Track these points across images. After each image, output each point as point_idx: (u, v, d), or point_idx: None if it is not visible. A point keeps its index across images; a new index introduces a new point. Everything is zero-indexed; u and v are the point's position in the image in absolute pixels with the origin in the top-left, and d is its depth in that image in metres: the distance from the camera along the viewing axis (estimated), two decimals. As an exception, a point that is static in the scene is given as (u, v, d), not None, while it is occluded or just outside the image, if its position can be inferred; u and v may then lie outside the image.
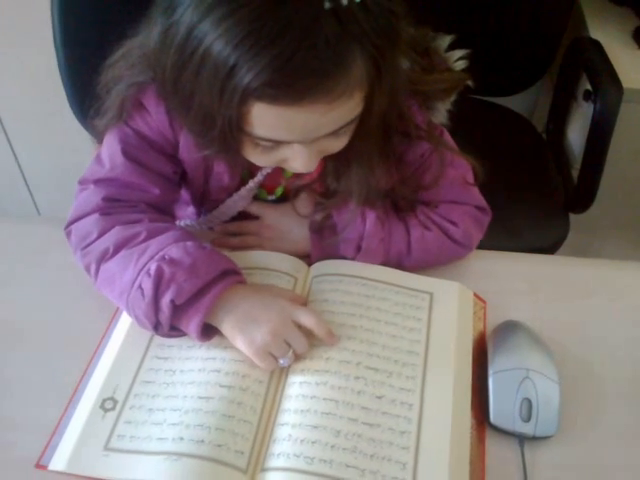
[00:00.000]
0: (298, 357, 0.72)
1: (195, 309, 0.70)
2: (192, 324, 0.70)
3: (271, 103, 0.59)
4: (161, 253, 0.71)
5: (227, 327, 0.71)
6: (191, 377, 0.70)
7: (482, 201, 0.87)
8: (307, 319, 0.72)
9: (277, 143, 0.66)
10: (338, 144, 0.69)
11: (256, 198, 0.89)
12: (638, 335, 0.80)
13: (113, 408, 0.69)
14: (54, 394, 0.72)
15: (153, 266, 0.70)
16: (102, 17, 1.08)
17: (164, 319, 0.70)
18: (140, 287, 0.70)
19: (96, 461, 0.65)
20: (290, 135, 0.65)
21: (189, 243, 0.73)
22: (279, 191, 0.89)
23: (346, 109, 0.63)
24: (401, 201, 0.83)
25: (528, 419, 0.68)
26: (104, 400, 0.69)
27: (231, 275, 0.73)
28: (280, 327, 0.70)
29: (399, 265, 0.82)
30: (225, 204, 0.88)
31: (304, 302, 0.78)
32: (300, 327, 0.72)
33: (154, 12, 0.65)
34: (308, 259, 0.85)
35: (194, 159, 0.80)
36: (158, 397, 0.69)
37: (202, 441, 0.64)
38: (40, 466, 0.66)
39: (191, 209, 0.93)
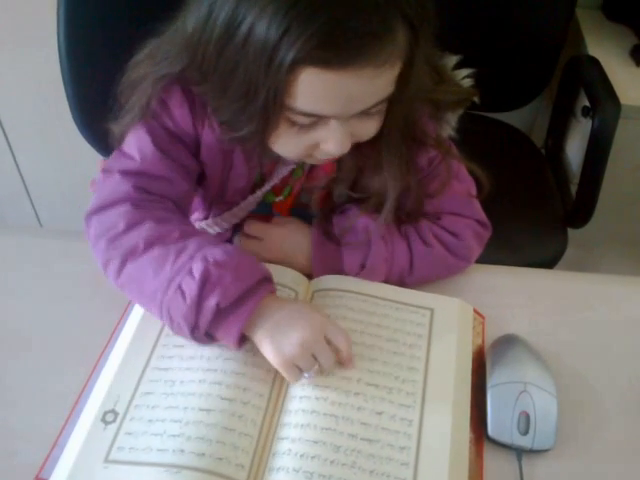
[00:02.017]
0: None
1: (236, 315, 0.68)
2: (233, 329, 0.68)
3: (321, 67, 0.60)
4: (201, 254, 0.69)
5: (260, 335, 0.70)
6: (192, 388, 0.70)
7: (483, 216, 0.88)
8: (340, 341, 0.71)
9: (314, 122, 0.67)
10: (369, 126, 0.70)
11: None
12: (635, 349, 0.81)
13: (114, 420, 0.68)
14: (56, 404, 0.72)
15: (199, 267, 0.68)
16: (107, 28, 1.08)
17: (204, 323, 0.68)
18: (180, 288, 0.69)
19: (96, 474, 0.64)
20: (333, 107, 0.65)
21: (228, 247, 0.71)
22: (286, 191, 0.89)
23: (386, 81, 0.65)
24: (405, 213, 0.83)
25: (526, 432, 0.69)
26: (105, 413, 0.69)
27: (268, 282, 0.73)
28: (311, 340, 0.69)
29: (401, 282, 0.83)
30: (239, 206, 0.88)
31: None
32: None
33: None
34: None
35: (214, 160, 0.81)
36: (158, 408, 0.69)
37: (203, 454, 0.64)
38: (40, 479, 0.66)
39: (196, 215, 0.93)
